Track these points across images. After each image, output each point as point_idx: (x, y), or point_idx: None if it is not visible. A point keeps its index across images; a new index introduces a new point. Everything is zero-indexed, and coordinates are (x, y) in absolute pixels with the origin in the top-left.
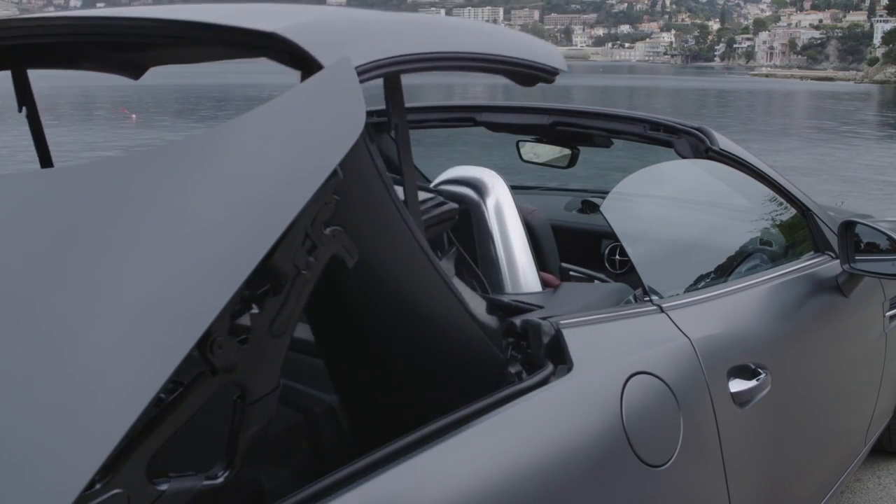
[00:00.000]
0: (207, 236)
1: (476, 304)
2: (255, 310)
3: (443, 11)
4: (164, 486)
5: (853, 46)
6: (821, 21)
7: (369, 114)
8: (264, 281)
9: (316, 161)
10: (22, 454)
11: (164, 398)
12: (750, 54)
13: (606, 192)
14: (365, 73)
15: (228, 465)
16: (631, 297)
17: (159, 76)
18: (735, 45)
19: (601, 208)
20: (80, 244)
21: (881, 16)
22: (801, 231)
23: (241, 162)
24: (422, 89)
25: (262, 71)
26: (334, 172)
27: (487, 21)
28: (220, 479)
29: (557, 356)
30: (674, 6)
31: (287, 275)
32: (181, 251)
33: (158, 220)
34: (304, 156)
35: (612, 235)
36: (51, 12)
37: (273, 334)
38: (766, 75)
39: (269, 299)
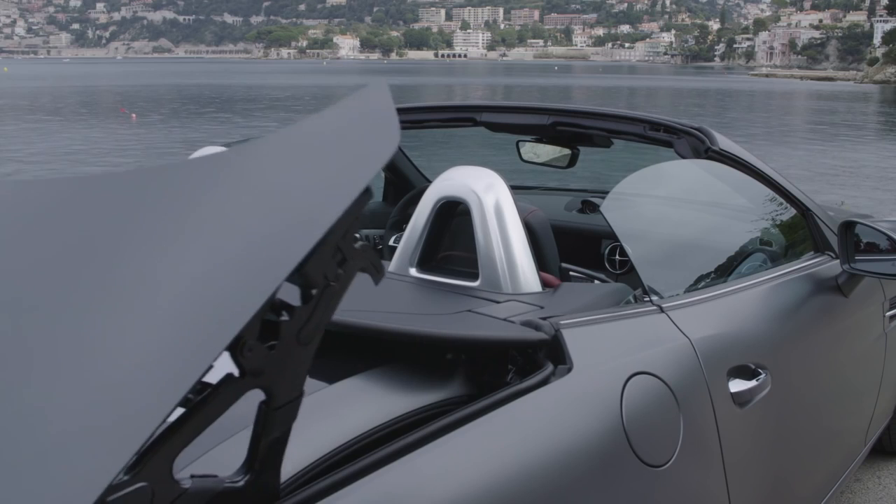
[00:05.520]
0: (245, 243)
1: None
2: (285, 317)
3: (443, 12)
4: (186, 485)
5: (853, 46)
6: (821, 21)
7: None
8: (295, 289)
9: (350, 177)
10: (60, 443)
11: (192, 398)
12: (750, 54)
13: (606, 192)
14: None
15: (249, 469)
16: (631, 297)
17: (159, 76)
18: (735, 45)
19: (601, 208)
20: (128, 245)
21: (881, 16)
22: (801, 231)
23: (279, 174)
24: (422, 89)
25: (261, 71)
26: (367, 189)
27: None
28: (241, 483)
29: (557, 356)
30: (674, 6)
31: (317, 285)
32: (219, 255)
33: (200, 224)
34: (339, 171)
35: (612, 235)
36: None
37: (301, 342)
38: (766, 75)
39: (299, 308)
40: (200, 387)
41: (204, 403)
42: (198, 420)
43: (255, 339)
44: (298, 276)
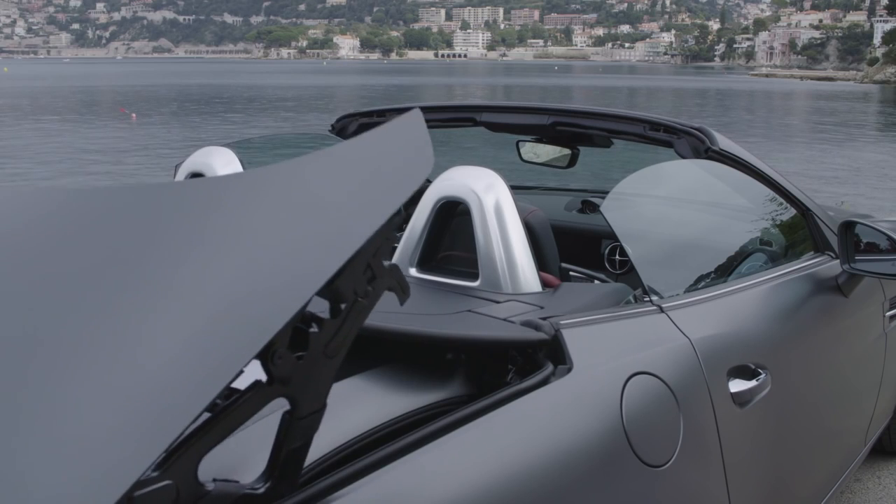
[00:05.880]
0: (281, 254)
1: None
2: (314, 328)
3: (443, 12)
4: (209, 487)
5: (853, 46)
6: (821, 21)
7: (369, 114)
8: (326, 303)
9: (383, 199)
10: (94, 435)
11: (220, 403)
12: (750, 54)
13: (606, 192)
14: None
15: (269, 477)
16: (631, 297)
17: (159, 76)
18: (735, 45)
19: (601, 208)
20: (172, 251)
21: (881, 16)
22: (801, 231)
23: (317, 191)
24: (422, 89)
25: (261, 71)
26: (399, 211)
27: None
28: (261, 490)
29: (557, 356)
30: (674, 6)
31: (347, 300)
32: (257, 264)
33: (240, 234)
34: (373, 193)
35: (612, 235)
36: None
37: (327, 354)
38: (766, 75)
39: (328, 321)
40: (228, 392)
41: (232, 408)
42: (225, 424)
43: (285, 347)
44: (330, 289)
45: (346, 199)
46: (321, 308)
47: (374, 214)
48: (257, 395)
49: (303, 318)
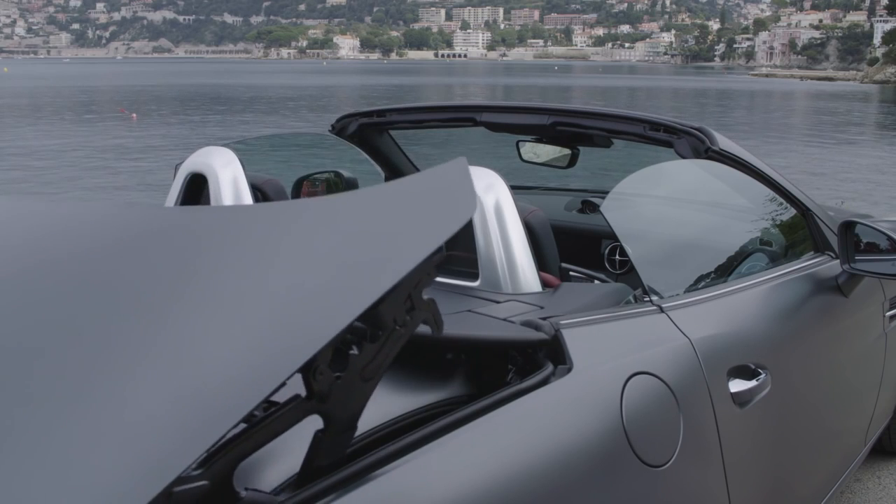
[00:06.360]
0: (330, 277)
1: None
2: (354, 351)
3: (443, 12)
4: (242, 493)
5: (853, 46)
6: (821, 21)
7: (369, 114)
8: (367, 329)
9: (427, 236)
10: (147, 428)
11: (257, 415)
12: (750, 54)
13: (606, 192)
14: None
15: (298, 492)
16: (631, 297)
17: (158, 76)
18: (735, 45)
19: (601, 208)
20: (239, 267)
21: (881, 16)
22: (801, 231)
23: (368, 224)
24: (422, 89)
25: (262, 71)
26: (440, 249)
27: (487, 21)
28: None
29: (557, 356)
30: (674, 6)
31: (387, 327)
32: (308, 285)
33: (297, 256)
34: (418, 229)
35: (612, 235)
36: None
37: (364, 377)
38: (767, 75)
39: (367, 345)
40: (267, 405)
41: (271, 419)
42: (262, 433)
43: (326, 364)
44: (372, 316)
45: (392, 234)
46: (363, 333)
47: (417, 249)
48: (295, 409)
49: (344, 341)
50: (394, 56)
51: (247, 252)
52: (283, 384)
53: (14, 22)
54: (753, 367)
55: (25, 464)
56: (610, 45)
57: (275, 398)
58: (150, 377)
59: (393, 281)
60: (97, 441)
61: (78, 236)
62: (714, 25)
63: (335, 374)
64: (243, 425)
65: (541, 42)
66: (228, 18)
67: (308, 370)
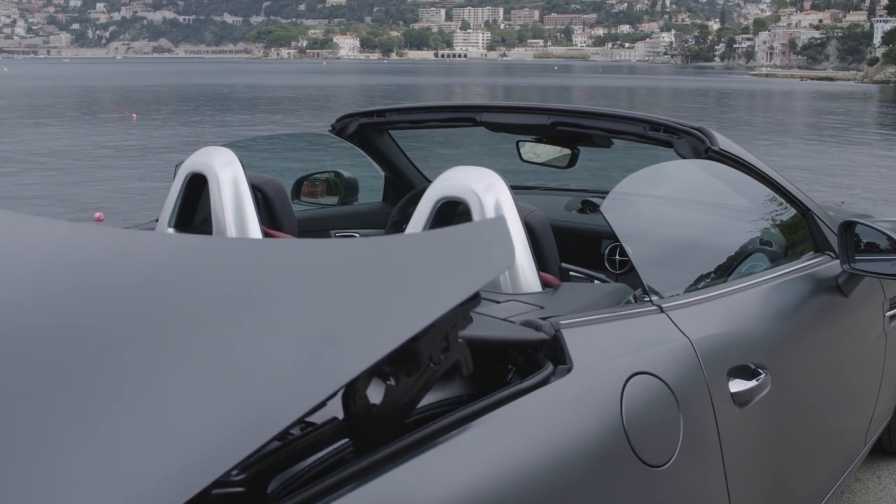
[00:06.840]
0: (376, 308)
1: None
2: (391, 381)
3: (443, 12)
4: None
5: (853, 46)
6: (821, 21)
7: (369, 114)
8: (404, 363)
9: (465, 282)
10: (196, 429)
11: (293, 434)
12: (750, 54)
13: (606, 192)
14: None
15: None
16: (631, 297)
17: (158, 76)
18: (735, 45)
19: (601, 208)
20: (301, 294)
21: (881, 16)
22: (801, 231)
23: (413, 265)
24: (422, 89)
25: (262, 71)
26: (476, 295)
27: (487, 21)
28: None
29: (557, 356)
30: (674, 6)
31: (423, 363)
32: (354, 314)
33: (348, 287)
34: (457, 275)
35: (612, 235)
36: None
37: (396, 408)
38: (767, 75)
39: (404, 378)
40: (304, 424)
41: (307, 436)
42: (299, 449)
43: (365, 391)
44: (410, 351)
45: (435, 277)
46: (399, 367)
47: (455, 294)
48: (331, 430)
49: (383, 373)
50: (394, 56)
51: (310, 283)
52: (324, 404)
53: (14, 22)
54: (753, 367)
55: (83, 448)
56: (610, 45)
57: (312, 419)
58: (200, 381)
59: (431, 319)
60: (156, 435)
61: (138, 263)
62: (714, 25)
63: (372, 402)
64: (279, 441)
65: (541, 42)
66: (228, 18)
67: (348, 394)
